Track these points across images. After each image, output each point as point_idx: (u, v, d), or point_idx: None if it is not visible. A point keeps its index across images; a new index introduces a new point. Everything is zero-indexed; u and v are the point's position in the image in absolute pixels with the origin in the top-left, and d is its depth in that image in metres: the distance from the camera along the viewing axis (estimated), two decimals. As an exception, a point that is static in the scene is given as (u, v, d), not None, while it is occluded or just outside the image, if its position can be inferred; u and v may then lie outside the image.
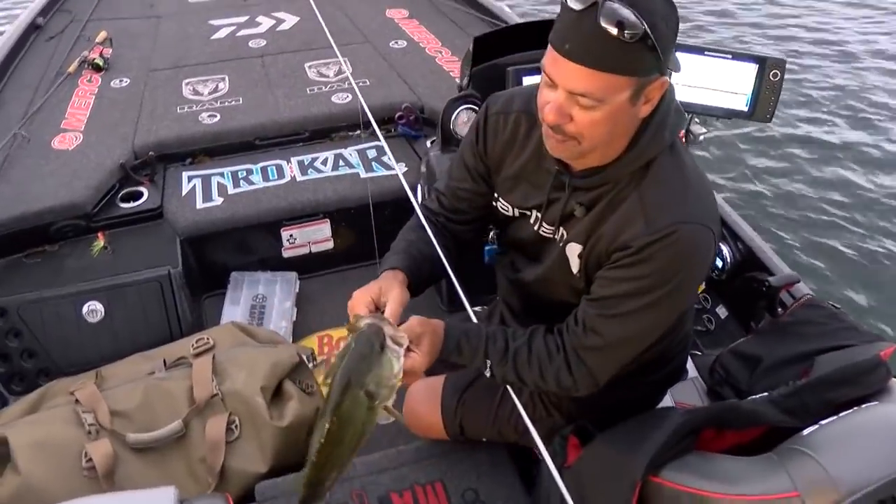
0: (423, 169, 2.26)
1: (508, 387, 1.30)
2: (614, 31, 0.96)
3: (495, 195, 1.35)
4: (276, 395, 1.76)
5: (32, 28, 3.52)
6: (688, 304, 1.20)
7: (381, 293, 1.18)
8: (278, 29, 3.65)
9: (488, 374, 1.24)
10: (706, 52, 1.86)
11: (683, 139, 1.80)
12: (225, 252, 2.44)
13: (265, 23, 3.73)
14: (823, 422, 1.07)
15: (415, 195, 1.94)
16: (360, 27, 3.62)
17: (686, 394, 1.63)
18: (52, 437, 1.55)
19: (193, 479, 1.61)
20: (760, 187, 4.17)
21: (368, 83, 3.02)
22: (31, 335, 2.06)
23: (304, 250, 2.54)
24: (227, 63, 3.27)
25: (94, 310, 2.08)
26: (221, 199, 2.45)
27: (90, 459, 1.52)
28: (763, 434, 1.18)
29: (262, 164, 2.64)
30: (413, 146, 2.76)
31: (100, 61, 3.10)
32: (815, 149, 4.55)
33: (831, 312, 1.58)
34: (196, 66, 3.24)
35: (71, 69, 3.06)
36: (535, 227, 1.29)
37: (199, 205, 2.42)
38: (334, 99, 2.93)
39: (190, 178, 2.56)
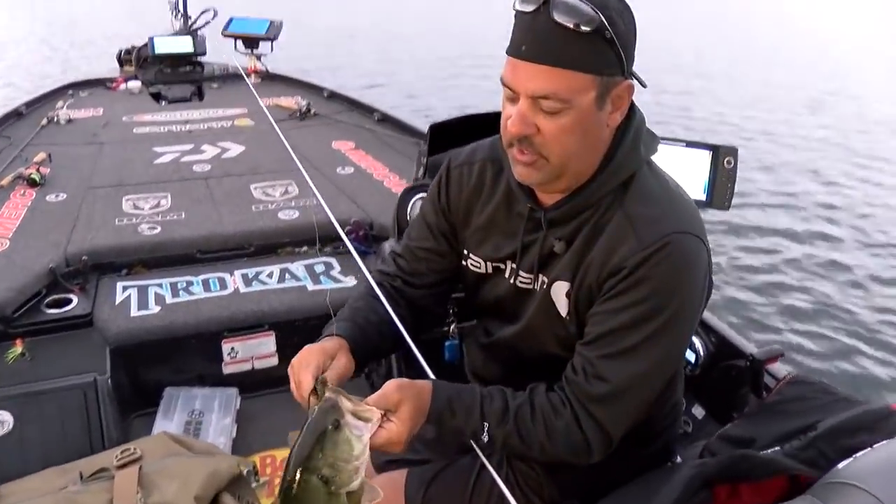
0: (379, 262, 2.16)
1: (489, 467, 1.13)
2: (569, 22, 0.94)
3: (465, 252, 1.26)
4: (212, 508, 1.52)
5: None
6: (692, 330, 1.10)
7: (325, 357, 1.08)
8: (223, 156, 3.64)
9: (485, 440, 1.07)
10: (662, 141, 1.88)
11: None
12: (159, 365, 2.23)
13: (210, 150, 3.71)
14: (858, 454, 0.95)
15: None
16: (307, 156, 3.64)
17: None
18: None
19: None
20: (726, 276, 4.25)
21: (316, 202, 2.98)
22: None
23: (247, 366, 2.34)
24: (170, 183, 3.19)
25: (1, 420, 1.82)
26: (158, 308, 2.27)
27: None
28: (783, 494, 1.04)
29: (203, 277, 2.49)
30: (363, 262, 2.67)
31: (36, 176, 2.98)
32: (771, 233, 4.76)
33: (821, 387, 1.49)
34: (138, 185, 3.15)
35: (3, 182, 2.93)
36: (511, 280, 1.19)
37: (134, 312, 2.24)
38: (281, 215, 2.86)
39: (125, 288, 2.39)
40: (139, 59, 5.26)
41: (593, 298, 1.07)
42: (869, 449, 0.97)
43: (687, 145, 1.87)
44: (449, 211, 1.26)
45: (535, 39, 0.97)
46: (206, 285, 2.43)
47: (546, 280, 1.13)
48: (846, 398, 1.42)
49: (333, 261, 2.62)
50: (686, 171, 1.88)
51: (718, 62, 13.02)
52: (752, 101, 9.18)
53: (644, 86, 1.07)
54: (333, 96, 4.82)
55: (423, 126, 3.73)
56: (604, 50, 0.97)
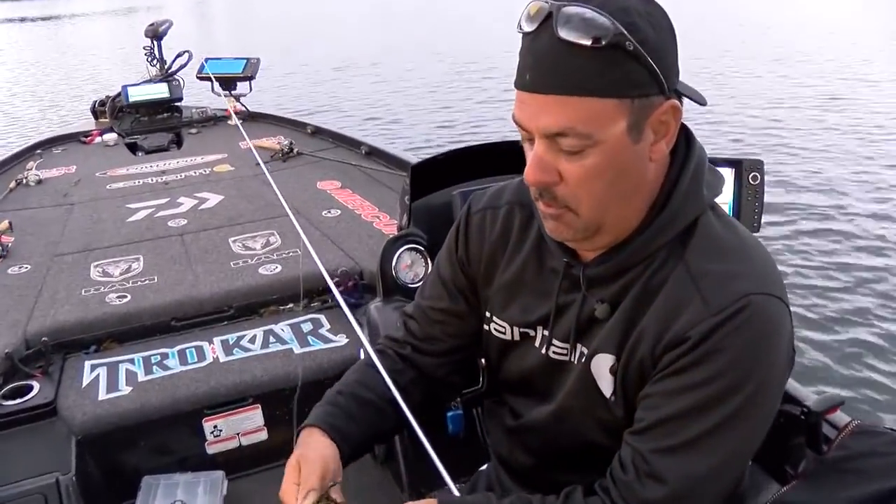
0: (364, 326, 1.93)
1: None
2: (578, 38, 0.75)
3: (487, 314, 1.05)
4: None
5: None
6: (772, 415, 0.87)
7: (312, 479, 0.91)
8: (201, 207, 3.43)
9: None
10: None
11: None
12: (134, 453, 2.00)
13: (187, 203, 3.51)
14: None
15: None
16: (290, 200, 3.43)
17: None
18: None
19: None
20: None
21: (300, 252, 2.76)
22: None
23: (233, 443, 2.11)
24: (143, 244, 2.98)
25: None
26: (129, 388, 2.05)
27: None
28: None
29: (179, 347, 2.27)
30: (354, 316, 2.45)
31: (-3, 248, 2.77)
32: (809, 254, 4.32)
33: (893, 438, 1.27)
34: (108, 248, 2.94)
35: None
36: (543, 350, 0.97)
37: (102, 395, 2.01)
38: (262, 271, 2.64)
39: (93, 368, 2.16)
40: (114, 110, 5.09)
41: (646, 376, 0.85)
42: None
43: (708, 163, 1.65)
44: (468, 264, 1.06)
45: (540, 65, 0.78)
46: (182, 357, 2.21)
47: (585, 351, 0.92)
48: (927, 454, 1.19)
49: (322, 317, 2.39)
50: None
51: (727, 61, 12.31)
52: (774, 102, 8.54)
53: (702, 103, 0.85)
54: (318, 132, 4.64)
55: (414, 158, 3.53)
56: (628, 66, 0.76)
